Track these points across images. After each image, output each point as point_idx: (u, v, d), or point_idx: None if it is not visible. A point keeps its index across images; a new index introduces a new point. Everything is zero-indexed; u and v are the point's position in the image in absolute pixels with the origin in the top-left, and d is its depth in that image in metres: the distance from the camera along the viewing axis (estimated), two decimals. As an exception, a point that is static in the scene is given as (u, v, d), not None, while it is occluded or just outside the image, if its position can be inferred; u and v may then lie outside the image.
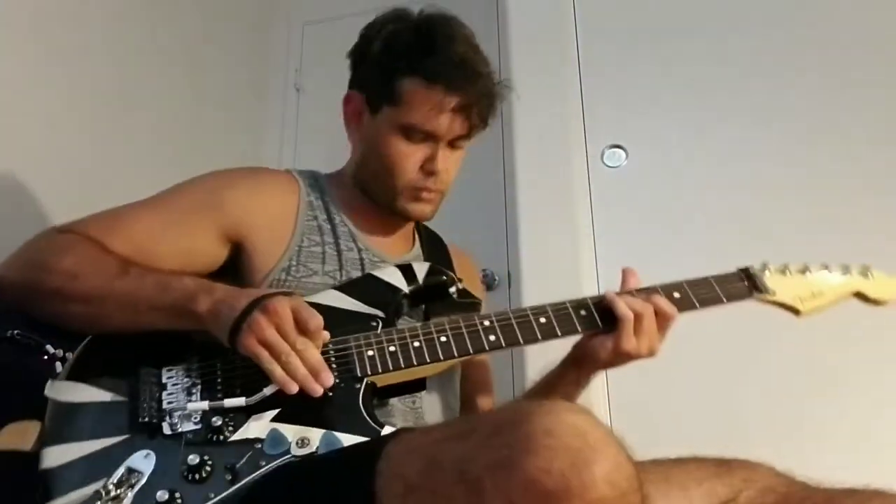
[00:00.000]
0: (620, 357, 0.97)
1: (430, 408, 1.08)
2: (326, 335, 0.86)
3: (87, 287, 0.88)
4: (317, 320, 0.84)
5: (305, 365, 0.83)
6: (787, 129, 1.71)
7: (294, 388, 0.81)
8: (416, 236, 1.22)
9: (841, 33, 1.75)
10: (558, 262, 1.70)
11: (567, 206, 1.76)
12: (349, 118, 1.15)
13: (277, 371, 0.81)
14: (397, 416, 1.00)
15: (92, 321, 0.90)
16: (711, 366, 1.57)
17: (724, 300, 1.02)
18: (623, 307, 0.95)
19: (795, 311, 1.04)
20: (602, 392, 1.59)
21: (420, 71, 1.04)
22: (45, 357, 0.88)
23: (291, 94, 2.34)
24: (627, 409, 1.58)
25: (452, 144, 1.09)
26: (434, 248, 1.22)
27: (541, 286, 1.67)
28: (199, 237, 1.01)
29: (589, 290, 1.65)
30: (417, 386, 0.97)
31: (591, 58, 1.87)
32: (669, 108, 1.81)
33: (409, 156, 1.07)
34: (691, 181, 1.74)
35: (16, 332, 0.90)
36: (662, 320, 0.97)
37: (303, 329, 0.83)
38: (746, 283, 1.04)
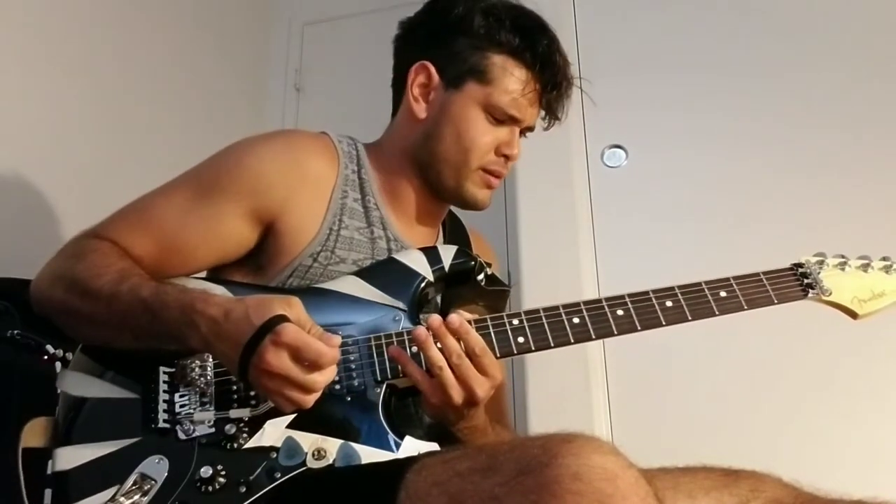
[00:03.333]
0: (441, 410, 0.88)
1: None
2: (337, 355, 0.78)
3: (89, 309, 0.85)
4: (328, 357, 0.76)
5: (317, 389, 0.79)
6: (787, 128, 1.71)
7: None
8: (441, 228, 1.18)
9: (840, 34, 1.75)
10: (558, 262, 1.70)
11: (567, 206, 1.76)
12: (415, 89, 1.07)
13: (290, 408, 0.79)
14: (418, 415, 0.98)
15: (105, 342, 0.87)
16: (717, 373, 1.56)
17: (775, 301, 0.93)
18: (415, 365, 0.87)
19: (852, 315, 0.95)
20: (602, 397, 1.59)
21: (519, 54, 1.03)
22: (46, 357, 0.88)
23: (291, 94, 2.33)
24: (628, 415, 1.57)
25: (521, 132, 1.08)
26: (456, 241, 1.17)
27: (541, 286, 1.67)
28: (228, 222, 0.95)
29: (589, 291, 1.66)
30: None
31: (591, 58, 1.87)
32: (669, 107, 1.81)
33: (488, 136, 1.03)
34: (691, 181, 1.74)
35: (16, 332, 0.90)
36: (478, 361, 0.85)
37: (315, 366, 0.76)
38: (801, 283, 0.95)
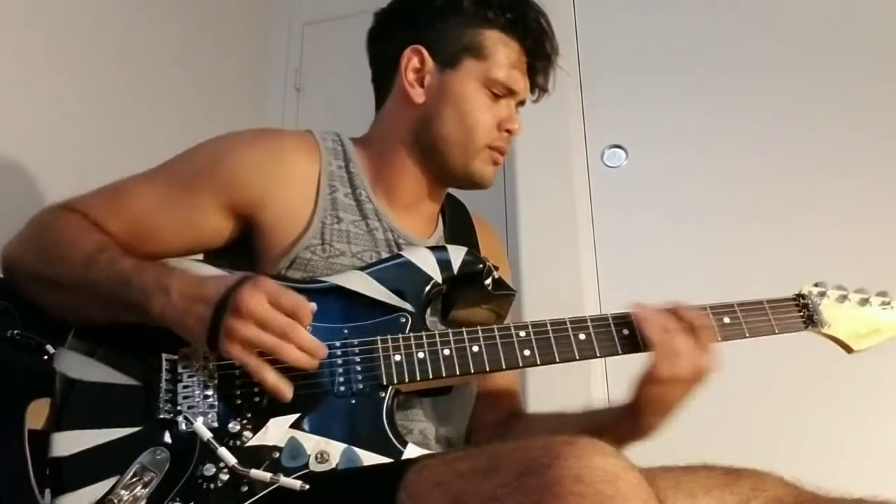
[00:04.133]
0: (663, 388, 0.89)
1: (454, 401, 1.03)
2: (312, 307, 0.80)
3: (60, 273, 0.85)
4: (304, 308, 0.79)
5: (300, 346, 0.79)
6: (787, 128, 1.71)
7: (289, 396, 0.79)
8: (440, 216, 1.16)
9: (841, 34, 1.76)
10: (558, 262, 1.70)
11: (567, 206, 1.76)
12: (409, 75, 1.06)
13: (270, 379, 0.79)
14: (420, 419, 0.97)
15: (70, 311, 0.87)
16: (717, 372, 1.56)
17: (776, 332, 0.96)
18: (650, 325, 0.90)
19: (847, 349, 0.98)
20: (602, 397, 1.59)
21: (510, 27, 1.05)
22: (46, 357, 0.88)
23: (291, 94, 2.33)
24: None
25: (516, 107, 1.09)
26: (458, 226, 1.16)
27: (541, 286, 1.67)
28: (204, 214, 0.96)
29: (589, 291, 1.66)
30: (442, 391, 0.94)
31: (591, 58, 1.87)
32: (669, 107, 1.81)
33: (490, 112, 1.04)
34: (691, 181, 1.74)
35: (16, 332, 0.90)
36: (700, 334, 0.90)
37: (291, 315, 0.78)
38: (802, 315, 0.98)
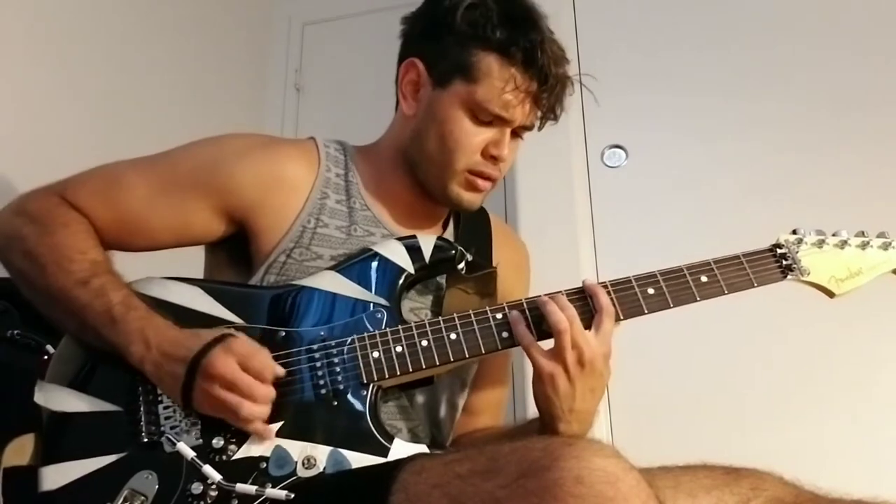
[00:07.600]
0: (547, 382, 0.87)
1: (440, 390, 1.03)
2: (280, 372, 0.82)
3: (47, 284, 0.86)
4: (269, 371, 0.81)
5: (265, 403, 0.80)
6: (786, 129, 1.71)
7: (269, 435, 0.80)
8: (450, 220, 1.14)
9: (840, 35, 1.75)
10: (558, 262, 1.70)
11: (567, 206, 1.76)
12: (405, 87, 1.05)
13: (258, 428, 0.80)
14: (410, 418, 0.98)
15: (44, 313, 0.88)
16: (717, 372, 1.56)
17: (755, 285, 0.93)
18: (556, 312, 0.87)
19: (829, 294, 0.94)
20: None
21: (506, 51, 0.97)
22: (46, 357, 0.88)
23: (291, 94, 2.34)
24: (628, 416, 1.57)
25: (516, 133, 1.03)
26: (469, 232, 1.13)
27: (540, 287, 1.66)
28: (197, 215, 0.97)
29: (589, 290, 1.66)
30: (425, 381, 0.93)
31: (592, 58, 1.87)
32: (669, 108, 1.81)
33: (474, 137, 0.98)
34: (691, 181, 1.74)
35: (16, 332, 0.90)
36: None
37: (257, 377, 0.80)
38: (780, 265, 0.94)
